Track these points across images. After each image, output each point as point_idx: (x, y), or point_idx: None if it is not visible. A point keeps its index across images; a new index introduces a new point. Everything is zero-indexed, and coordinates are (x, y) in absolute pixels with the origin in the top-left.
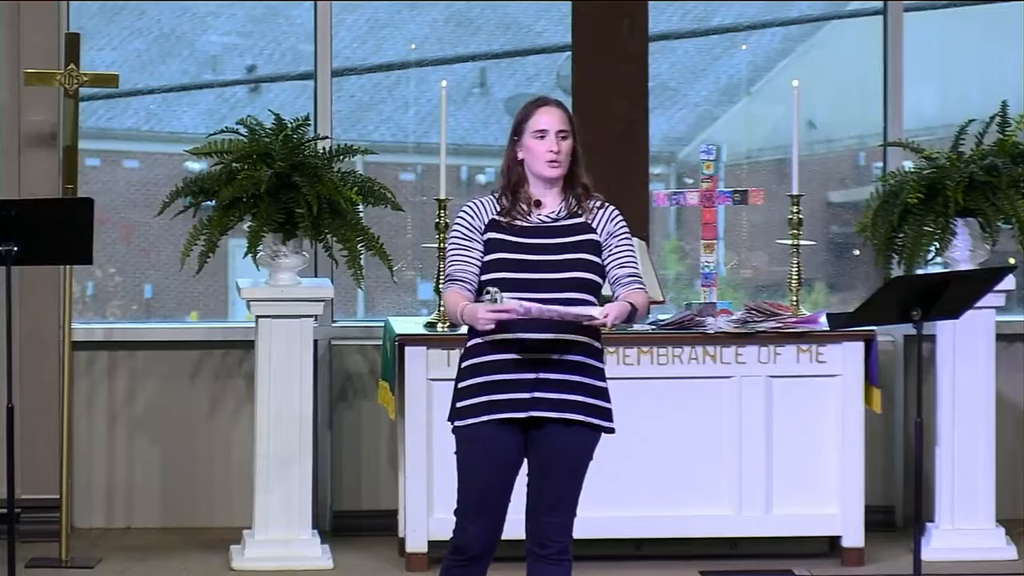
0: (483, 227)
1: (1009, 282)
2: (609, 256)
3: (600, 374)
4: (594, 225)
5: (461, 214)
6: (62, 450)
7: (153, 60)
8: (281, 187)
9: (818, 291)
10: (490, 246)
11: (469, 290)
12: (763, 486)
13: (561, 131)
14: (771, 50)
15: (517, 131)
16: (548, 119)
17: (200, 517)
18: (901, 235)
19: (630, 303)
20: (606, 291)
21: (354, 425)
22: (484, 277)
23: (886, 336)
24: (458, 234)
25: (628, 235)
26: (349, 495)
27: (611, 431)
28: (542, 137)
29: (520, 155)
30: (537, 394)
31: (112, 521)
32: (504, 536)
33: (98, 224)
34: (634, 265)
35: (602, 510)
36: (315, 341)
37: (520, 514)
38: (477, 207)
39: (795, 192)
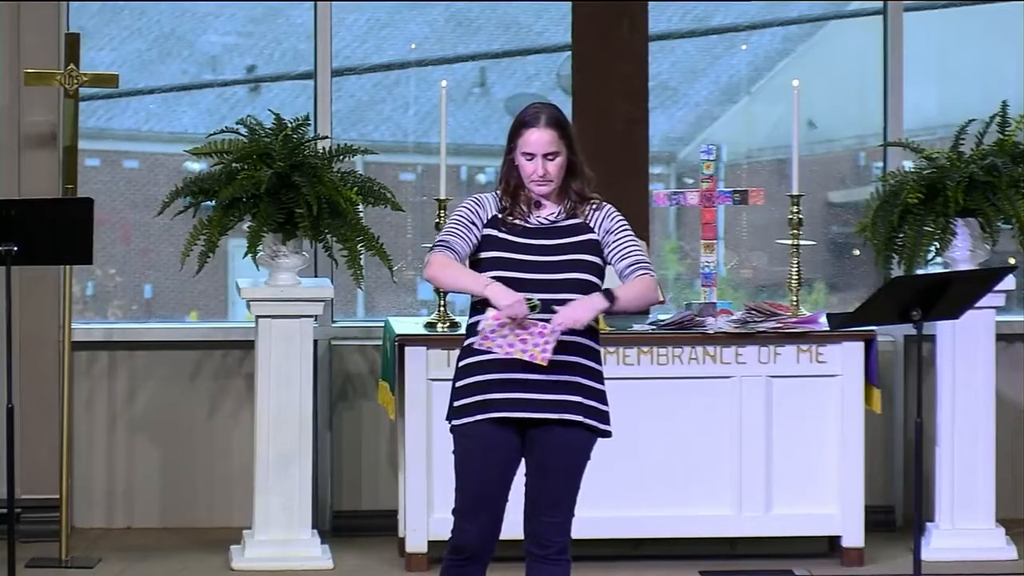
0: (484, 220)
1: (1009, 282)
2: (610, 252)
3: (598, 376)
4: (592, 225)
5: (466, 202)
6: (62, 450)
7: (153, 60)
8: (281, 187)
9: (818, 291)
10: (489, 243)
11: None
12: (763, 486)
13: (548, 153)
14: (771, 50)
15: (512, 139)
16: (536, 141)
17: (200, 517)
18: (901, 235)
19: (608, 296)
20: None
21: (354, 425)
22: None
23: (886, 336)
24: (461, 215)
25: (626, 227)
26: (349, 495)
27: (608, 434)
28: (530, 159)
29: (516, 162)
30: (533, 395)
31: (112, 521)
32: (503, 536)
33: (98, 224)
34: (636, 253)
35: (602, 510)
36: (315, 341)
37: (519, 514)
38: (481, 200)
39: (795, 192)
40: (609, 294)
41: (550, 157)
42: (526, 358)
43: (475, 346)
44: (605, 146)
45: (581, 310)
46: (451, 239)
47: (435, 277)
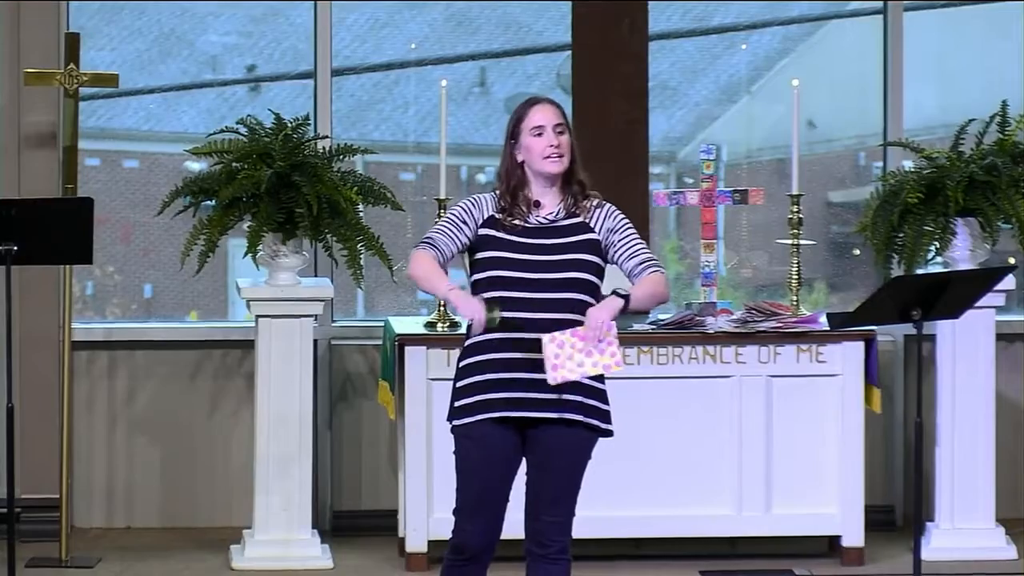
0: (480, 221)
1: (1009, 282)
2: (616, 252)
3: (599, 375)
4: (592, 225)
5: (463, 202)
6: (62, 450)
7: (153, 60)
8: (281, 187)
9: (818, 291)
10: (486, 244)
11: (441, 262)
12: (763, 486)
13: (557, 125)
14: (771, 50)
15: (513, 134)
16: (543, 115)
17: (200, 517)
18: (901, 235)
19: (621, 295)
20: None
21: (354, 425)
22: (481, 276)
23: (886, 336)
24: (453, 215)
25: (629, 225)
26: (349, 495)
27: (609, 433)
28: (539, 134)
29: (519, 157)
30: (534, 394)
31: (112, 521)
32: (504, 536)
33: (98, 224)
34: (643, 252)
35: (602, 510)
36: (315, 341)
37: (520, 514)
38: (479, 201)
39: (795, 192)
40: (624, 294)
41: (559, 129)
42: (601, 370)
43: (549, 382)
44: (605, 146)
45: (605, 312)
46: (437, 237)
47: (413, 277)
